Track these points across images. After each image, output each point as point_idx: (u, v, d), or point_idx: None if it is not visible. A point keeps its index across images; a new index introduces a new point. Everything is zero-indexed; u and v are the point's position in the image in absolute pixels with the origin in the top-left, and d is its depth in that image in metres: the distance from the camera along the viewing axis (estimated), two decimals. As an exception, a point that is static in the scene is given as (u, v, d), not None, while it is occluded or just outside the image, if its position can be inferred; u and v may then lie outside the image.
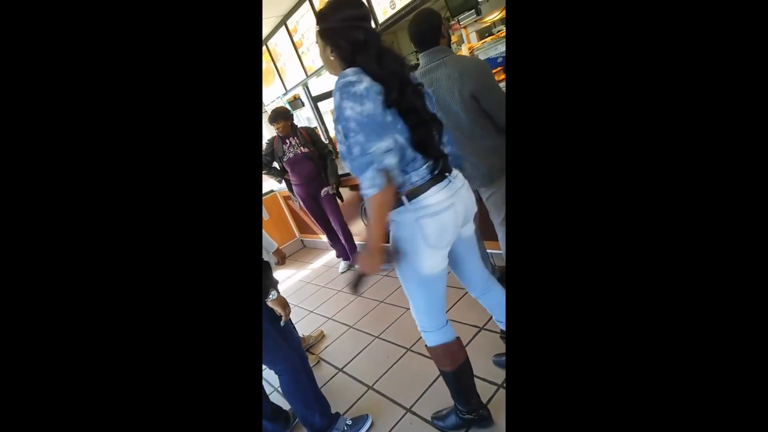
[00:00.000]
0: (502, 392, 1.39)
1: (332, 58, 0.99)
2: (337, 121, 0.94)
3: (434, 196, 1.00)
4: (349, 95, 0.90)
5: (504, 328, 1.39)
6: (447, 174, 1.04)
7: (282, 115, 2.64)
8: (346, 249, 2.97)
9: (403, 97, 0.95)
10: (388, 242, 1.05)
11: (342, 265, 3.07)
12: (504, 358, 1.48)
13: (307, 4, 3.07)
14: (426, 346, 1.21)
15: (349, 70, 0.94)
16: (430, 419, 1.39)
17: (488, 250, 1.93)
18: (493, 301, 1.29)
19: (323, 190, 2.72)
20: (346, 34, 0.95)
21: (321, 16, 0.99)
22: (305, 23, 3.21)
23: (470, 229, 1.18)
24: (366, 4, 1.01)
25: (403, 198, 1.00)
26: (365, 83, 0.90)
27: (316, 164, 2.70)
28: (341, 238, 2.94)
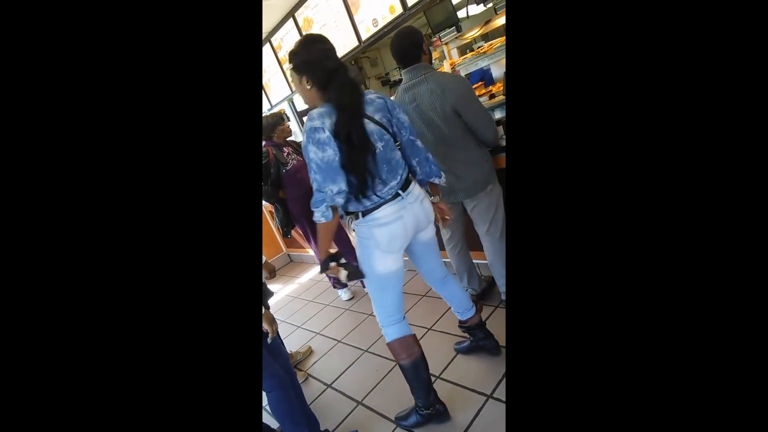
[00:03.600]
0: (491, 403, 1.40)
1: (308, 87, 1.15)
2: (304, 154, 1.13)
3: (383, 210, 1.20)
4: (314, 141, 1.08)
5: (461, 318, 1.59)
6: (401, 192, 1.22)
7: (279, 121, 2.40)
8: None
9: (353, 127, 1.11)
10: (336, 253, 1.26)
11: (345, 293, 2.72)
12: (463, 344, 1.70)
13: (291, 21, 3.12)
14: (387, 344, 1.35)
15: (314, 112, 1.11)
16: (393, 418, 1.47)
17: (474, 261, 1.95)
18: (449, 292, 1.54)
19: None
20: (320, 64, 1.11)
21: (294, 53, 1.14)
22: (290, 40, 3.25)
23: (428, 233, 1.36)
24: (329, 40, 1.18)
25: (360, 215, 1.21)
26: (327, 132, 1.08)
27: None
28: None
